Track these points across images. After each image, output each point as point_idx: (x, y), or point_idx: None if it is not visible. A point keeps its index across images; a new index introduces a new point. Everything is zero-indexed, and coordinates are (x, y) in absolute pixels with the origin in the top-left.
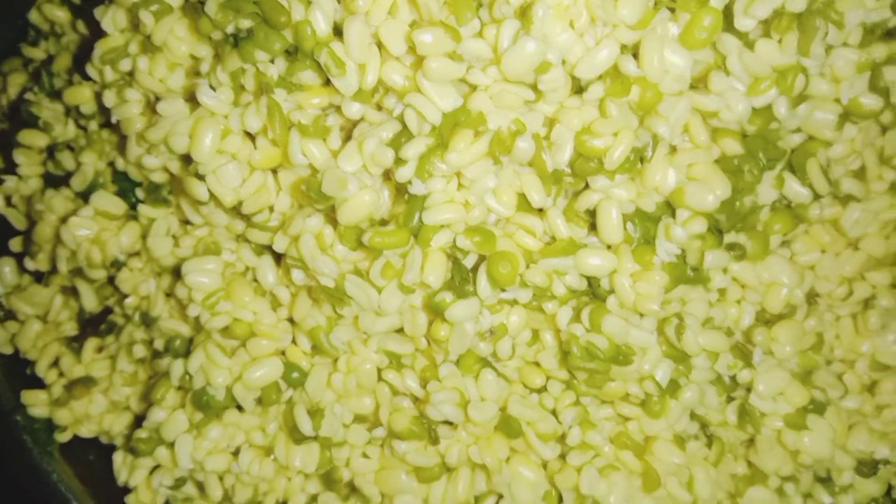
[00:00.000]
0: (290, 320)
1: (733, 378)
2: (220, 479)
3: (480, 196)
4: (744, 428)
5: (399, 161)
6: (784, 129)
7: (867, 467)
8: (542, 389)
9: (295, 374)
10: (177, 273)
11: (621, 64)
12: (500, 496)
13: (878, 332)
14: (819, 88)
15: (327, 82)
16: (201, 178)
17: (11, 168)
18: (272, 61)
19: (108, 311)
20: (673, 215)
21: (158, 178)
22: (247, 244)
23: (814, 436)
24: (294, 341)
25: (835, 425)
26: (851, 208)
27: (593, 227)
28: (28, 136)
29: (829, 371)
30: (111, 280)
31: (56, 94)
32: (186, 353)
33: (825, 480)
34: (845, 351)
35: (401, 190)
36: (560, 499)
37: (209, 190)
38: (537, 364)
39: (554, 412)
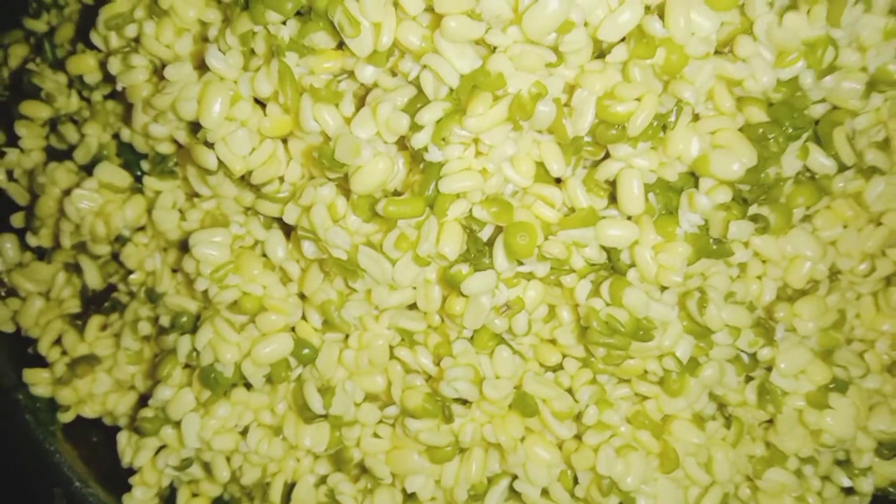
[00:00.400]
0: (301, 296)
1: (752, 357)
2: (228, 459)
3: (498, 164)
4: (764, 407)
5: (415, 127)
6: (808, 98)
7: (888, 449)
8: (557, 367)
9: (305, 351)
10: (183, 247)
11: (646, 24)
12: (514, 477)
13: None
14: (847, 59)
15: (340, 46)
16: (210, 145)
17: (13, 141)
18: (284, 23)
19: (111, 288)
20: (695, 186)
21: (165, 148)
22: (256, 217)
23: (836, 415)
24: (304, 317)
25: (857, 404)
26: (875, 182)
27: (613, 198)
28: (30, 108)
29: (850, 350)
30: (115, 257)
31: (59, 65)
32: (193, 330)
33: (843, 463)
34: (866, 330)
35: (416, 158)
36: (575, 479)
37: (218, 158)
38: (553, 341)
39: (570, 391)
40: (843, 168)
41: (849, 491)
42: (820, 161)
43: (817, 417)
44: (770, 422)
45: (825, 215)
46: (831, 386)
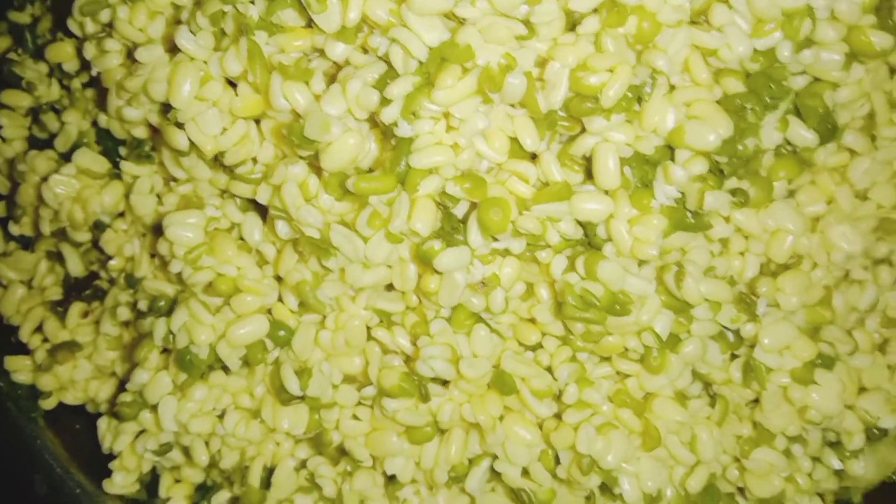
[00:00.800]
0: (277, 277)
1: (737, 333)
2: (206, 443)
3: (470, 138)
4: (749, 385)
5: (384, 101)
6: (786, 69)
7: (878, 431)
8: (537, 346)
9: (281, 333)
10: (160, 232)
11: None
12: (495, 457)
13: (889, 287)
14: (825, 34)
15: (310, 24)
16: (181, 126)
17: None
18: (252, 2)
19: (93, 276)
20: (671, 160)
21: (140, 133)
22: (232, 200)
23: (822, 391)
24: (280, 299)
25: (844, 381)
26: (860, 158)
27: (589, 173)
28: (11, 97)
29: (838, 326)
30: (96, 244)
31: (39, 54)
32: (170, 313)
33: (835, 445)
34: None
35: (387, 135)
36: (557, 459)
37: (189, 139)
38: (532, 320)
39: (549, 369)
40: (824, 141)
41: (839, 473)
42: (801, 133)
43: (802, 393)
44: (757, 401)
45: (808, 190)
46: (817, 362)
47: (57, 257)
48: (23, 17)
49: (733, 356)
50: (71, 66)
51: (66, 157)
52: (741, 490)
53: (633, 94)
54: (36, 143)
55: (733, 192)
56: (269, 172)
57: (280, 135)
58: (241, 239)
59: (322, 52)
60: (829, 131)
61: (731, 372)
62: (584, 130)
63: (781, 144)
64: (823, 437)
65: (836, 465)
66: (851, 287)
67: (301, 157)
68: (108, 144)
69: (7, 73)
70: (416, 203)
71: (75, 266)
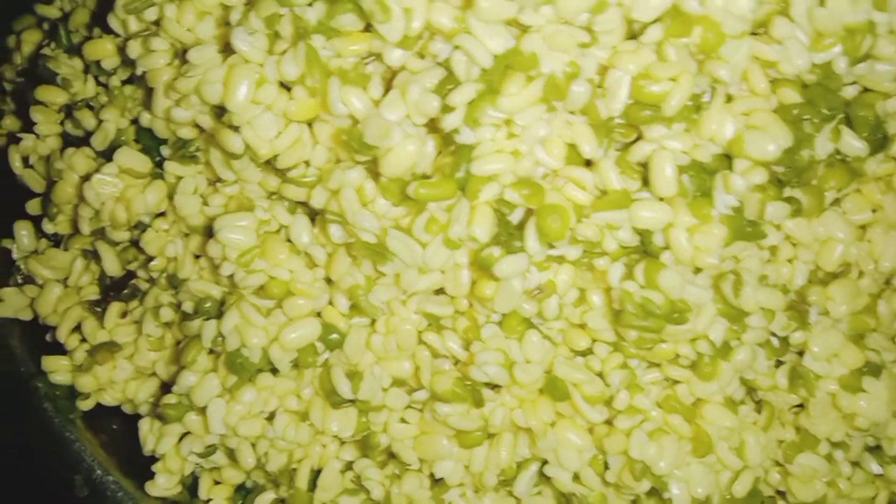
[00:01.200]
0: (327, 280)
1: (783, 341)
2: (253, 445)
3: (531, 145)
4: (796, 391)
5: (446, 108)
6: (841, 80)
7: None
8: (587, 352)
9: (333, 336)
10: (206, 233)
11: (683, 2)
12: (544, 462)
13: None
14: (884, 50)
15: (367, 28)
16: (236, 129)
17: (28, 128)
18: (310, 4)
19: (130, 275)
20: (728, 168)
21: (186, 133)
22: (280, 202)
23: (870, 398)
24: (331, 302)
25: (891, 388)
26: None
27: (644, 181)
28: (46, 93)
29: (882, 334)
30: (133, 243)
31: (74, 50)
32: (218, 315)
33: (874, 450)
34: None
35: (446, 141)
36: (606, 465)
37: (244, 142)
38: (582, 326)
39: (600, 375)
40: (874, 151)
41: (878, 478)
42: (851, 143)
43: (851, 401)
44: (800, 406)
45: (854, 199)
46: (864, 370)
47: (92, 255)
48: (51, 11)
49: (778, 362)
50: (109, 62)
51: (103, 155)
52: (780, 493)
53: (692, 103)
54: (69, 141)
55: (787, 200)
56: (322, 176)
57: (338, 139)
58: (289, 241)
59: (378, 57)
60: (879, 141)
61: (777, 378)
62: (639, 138)
63: (832, 154)
64: (864, 442)
65: (876, 469)
66: (895, 295)
67: (358, 162)
68: (148, 143)
69: (42, 68)
70: (476, 209)
71: (112, 265)
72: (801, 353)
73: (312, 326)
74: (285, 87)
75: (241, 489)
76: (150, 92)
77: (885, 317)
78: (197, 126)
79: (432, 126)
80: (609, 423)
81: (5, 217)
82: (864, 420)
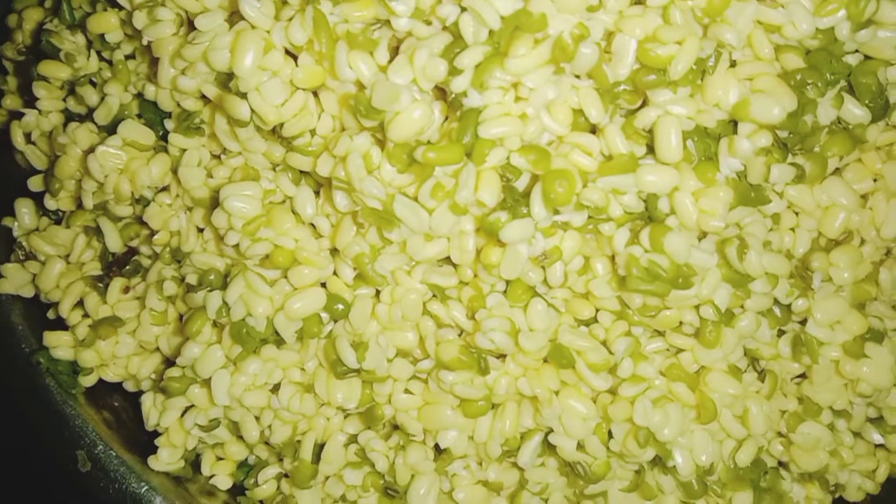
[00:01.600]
0: (332, 251)
1: (785, 309)
2: (257, 419)
3: (538, 109)
4: (799, 359)
5: (454, 71)
6: (843, 46)
7: None
8: (591, 321)
9: (339, 306)
10: (210, 206)
11: None
12: (548, 432)
13: None
14: (888, 15)
15: None
16: (243, 95)
17: (30, 104)
18: None
19: (132, 252)
20: (732, 134)
21: (191, 104)
22: (285, 173)
23: (873, 364)
24: (336, 272)
25: (894, 355)
26: None
27: (649, 148)
28: (49, 68)
29: (884, 303)
30: (136, 220)
31: (77, 26)
32: (223, 287)
33: (876, 420)
34: None
35: (453, 106)
36: (609, 434)
37: (251, 108)
38: (586, 295)
39: (604, 343)
40: (876, 118)
41: (880, 448)
42: (853, 110)
43: (854, 367)
44: (802, 376)
45: (856, 168)
46: (867, 336)
47: (94, 232)
48: None
49: (780, 332)
50: (113, 36)
51: (107, 130)
52: (783, 464)
53: (698, 67)
54: (72, 118)
55: (793, 165)
56: (327, 145)
57: (345, 104)
58: (294, 212)
59: (385, 23)
60: (881, 108)
61: (779, 347)
62: (644, 104)
63: (833, 122)
64: (866, 414)
65: (878, 439)
66: None
67: (365, 128)
68: (151, 117)
69: (45, 44)
70: (483, 174)
71: (114, 241)
72: (803, 322)
73: (318, 296)
74: (291, 56)
75: (243, 465)
76: (155, 63)
77: (887, 284)
78: (202, 98)
79: (439, 94)
80: (613, 391)
81: (6, 196)
82: (868, 386)
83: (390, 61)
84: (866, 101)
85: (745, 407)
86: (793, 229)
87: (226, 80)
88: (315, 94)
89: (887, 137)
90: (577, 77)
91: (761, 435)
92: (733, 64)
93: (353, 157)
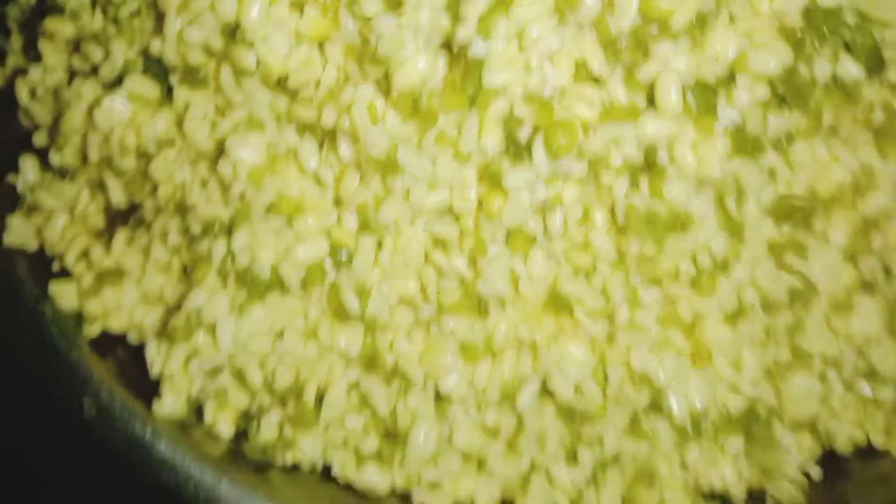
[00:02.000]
0: (335, 202)
1: (779, 259)
2: (261, 364)
3: (542, 58)
4: (793, 308)
5: (458, 19)
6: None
7: None
8: (589, 271)
9: (343, 253)
10: (214, 158)
11: None
12: (544, 379)
13: None
14: None
15: None
16: (249, 45)
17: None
18: None
19: (135, 208)
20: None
21: (196, 58)
22: (289, 126)
23: (864, 312)
24: (339, 221)
25: (883, 308)
26: None
27: (650, 101)
28: (54, 24)
29: (875, 258)
30: (140, 176)
31: None
32: (227, 235)
33: (867, 375)
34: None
35: (457, 57)
36: (606, 378)
37: (257, 58)
38: (585, 247)
39: (603, 292)
40: (871, 74)
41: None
42: (849, 67)
43: (846, 315)
44: (796, 326)
45: (851, 126)
46: (860, 287)
47: (99, 187)
48: None
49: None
50: None
51: (111, 87)
52: (775, 414)
53: (698, 21)
54: (77, 75)
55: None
56: (332, 97)
57: (351, 53)
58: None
59: None
60: (875, 64)
61: (773, 296)
62: (644, 58)
63: (829, 80)
64: (857, 368)
65: (868, 391)
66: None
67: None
68: (156, 71)
69: (49, 1)
70: (486, 122)
71: (119, 196)
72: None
73: (322, 244)
74: (297, 7)
75: (245, 415)
76: (160, 19)
77: (878, 242)
78: (207, 51)
79: (442, 43)
80: (611, 338)
81: (9, 154)
82: (859, 334)
83: (396, 12)
84: (861, 59)
85: (739, 354)
86: (789, 182)
87: (233, 30)
88: (320, 45)
89: (882, 97)
90: (581, 28)
91: (754, 382)
92: (732, 20)
93: (358, 107)
